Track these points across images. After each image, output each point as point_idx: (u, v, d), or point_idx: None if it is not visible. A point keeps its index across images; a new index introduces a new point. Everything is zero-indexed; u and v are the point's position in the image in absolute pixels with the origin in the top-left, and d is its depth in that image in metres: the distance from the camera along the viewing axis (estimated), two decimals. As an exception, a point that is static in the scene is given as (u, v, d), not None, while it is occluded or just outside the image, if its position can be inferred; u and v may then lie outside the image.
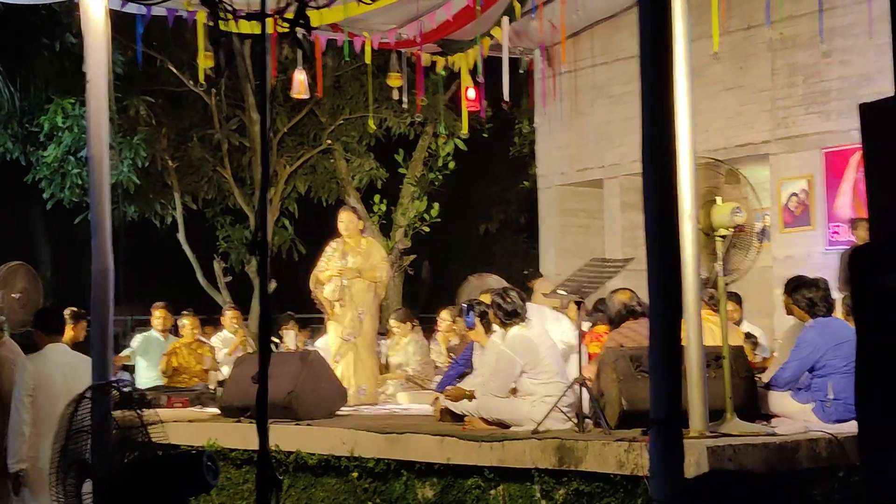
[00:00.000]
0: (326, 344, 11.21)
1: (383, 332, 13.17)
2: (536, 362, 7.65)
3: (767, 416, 7.65)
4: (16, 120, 16.16)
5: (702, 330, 6.64)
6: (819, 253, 13.04)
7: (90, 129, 6.06)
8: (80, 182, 15.66)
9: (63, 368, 7.62)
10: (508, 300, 7.80)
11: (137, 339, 12.52)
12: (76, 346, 10.35)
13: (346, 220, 10.89)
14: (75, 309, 10.45)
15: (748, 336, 10.10)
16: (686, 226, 6.44)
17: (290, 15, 4.70)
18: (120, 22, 11.38)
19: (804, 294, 7.78)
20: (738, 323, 10.44)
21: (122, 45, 14.60)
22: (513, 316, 7.78)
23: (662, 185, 3.62)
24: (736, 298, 10.42)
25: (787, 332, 8.41)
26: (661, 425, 3.50)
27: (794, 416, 7.57)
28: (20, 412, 7.46)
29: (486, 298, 8.46)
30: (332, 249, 10.81)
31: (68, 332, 10.28)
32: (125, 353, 12.20)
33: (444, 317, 12.39)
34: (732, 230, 7.07)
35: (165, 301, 12.45)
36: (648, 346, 3.68)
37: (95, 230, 5.84)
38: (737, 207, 7.02)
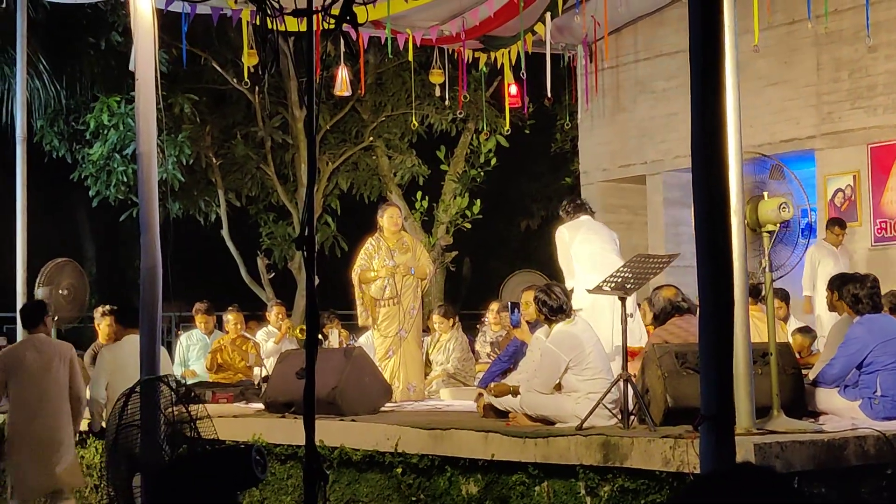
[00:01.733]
0: (369, 341, 11.22)
1: (425, 329, 13.21)
2: (581, 358, 7.63)
3: (815, 414, 7.60)
4: (62, 118, 16.33)
5: (749, 326, 6.60)
6: (865, 249, 12.94)
7: (139, 127, 6.11)
8: (125, 179, 15.79)
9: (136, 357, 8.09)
10: (553, 296, 7.78)
11: (183, 337, 12.63)
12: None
13: (395, 216, 10.85)
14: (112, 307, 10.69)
15: (807, 330, 10.04)
16: (733, 221, 6.40)
17: (335, 11, 4.72)
18: (165, 20, 11.45)
19: (850, 290, 7.73)
20: (785, 319, 10.40)
21: (166, 44, 14.70)
22: (558, 312, 7.76)
23: (713, 181, 3.61)
24: (783, 295, 10.38)
25: (833, 329, 8.34)
26: (712, 420, 3.50)
27: (842, 413, 7.52)
28: (97, 389, 8.52)
29: (529, 295, 8.44)
30: (373, 248, 10.68)
31: (104, 329, 10.46)
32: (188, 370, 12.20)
33: (493, 308, 12.45)
34: (779, 226, 7.03)
35: (207, 303, 12.51)
36: (699, 343, 3.68)
37: (144, 228, 5.89)
38: (783, 203, 6.97)
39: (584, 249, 9.35)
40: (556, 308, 7.76)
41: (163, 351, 6.50)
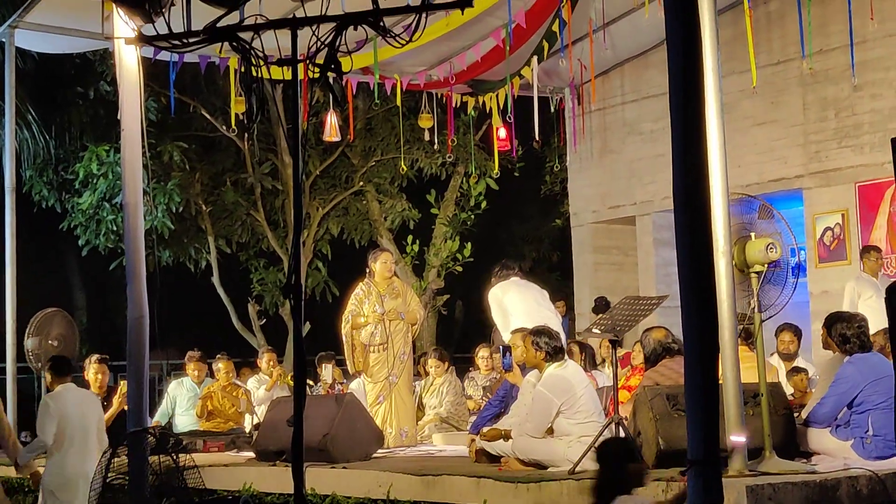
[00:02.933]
0: (360, 387, 11.17)
1: (416, 374, 13.16)
2: (573, 402, 7.62)
3: (807, 454, 7.57)
4: (51, 168, 16.35)
5: (739, 368, 6.59)
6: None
7: (125, 178, 6.12)
8: (114, 228, 15.78)
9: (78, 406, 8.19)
10: (549, 337, 7.81)
11: (172, 386, 12.55)
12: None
13: (388, 262, 10.86)
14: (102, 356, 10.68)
15: (798, 369, 10.04)
16: (720, 262, 6.41)
17: (321, 60, 4.73)
18: (153, 69, 11.51)
19: (838, 329, 7.73)
20: (795, 354, 10.42)
21: (155, 92, 14.76)
22: (559, 351, 7.80)
23: (696, 223, 3.61)
24: (794, 330, 10.42)
25: (824, 367, 8.33)
26: (698, 466, 3.48)
27: (834, 453, 7.49)
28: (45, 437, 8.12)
29: (517, 338, 8.47)
30: (363, 293, 10.67)
31: (93, 377, 10.44)
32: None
33: (481, 353, 12.41)
34: (767, 266, 7.03)
35: (200, 352, 12.47)
36: (685, 386, 3.66)
37: (131, 278, 5.88)
38: (771, 243, 6.98)
39: (518, 305, 10.04)
40: (558, 347, 7.80)
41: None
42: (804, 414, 7.97)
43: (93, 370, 10.55)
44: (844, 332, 7.67)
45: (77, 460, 7.80)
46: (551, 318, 9.42)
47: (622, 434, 7.24)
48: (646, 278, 15.27)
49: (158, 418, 11.67)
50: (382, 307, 10.52)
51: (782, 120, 13.85)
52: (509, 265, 10.52)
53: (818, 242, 13.36)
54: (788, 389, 9.55)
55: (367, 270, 10.80)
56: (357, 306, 10.60)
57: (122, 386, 10.30)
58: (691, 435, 3.48)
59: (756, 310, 7.05)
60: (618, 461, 5.27)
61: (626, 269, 16.16)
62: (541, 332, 7.90)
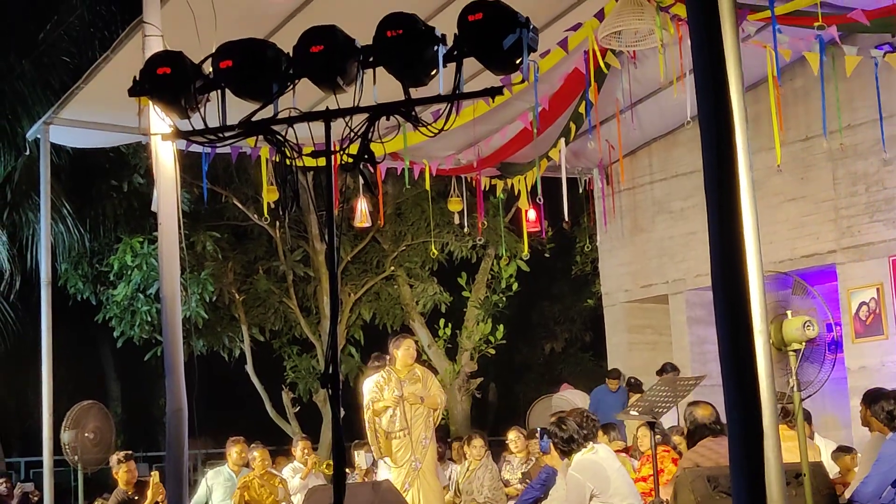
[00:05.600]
0: (387, 475, 11.12)
1: (452, 459, 13.08)
2: (605, 486, 7.56)
3: (852, 534, 7.45)
4: (86, 260, 16.49)
5: (780, 448, 6.50)
6: (893, 362, 12.82)
7: (162, 271, 6.17)
8: (149, 319, 15.87)
9: None
10: (564, 428, 7.77)
11: (210, 475, 12.49)
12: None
13: (411, 348, 10.87)
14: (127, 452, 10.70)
15: (847, 449, 9.89)
16: (758, 342, 6.36)
17: (353, 149, 4.78)
18: (185, 160, 11.65)
19: (883, 406, 7.63)
20: (811, 437, 10.26)
21: (187, 183, 14.92)
22: (570, 443, 7.74)
23: (734, 302, 3.61)
24: (805, 415, 10.27)
25: (868, 445, 8.22)
26: (747, 550, 3.43)
27: (880, 532, 7.36)
28: None
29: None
30: (383, 380, 10.68)
31: (122, 475, 10.41)
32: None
33: (512, 437, 12.32)
34: (805, 343, 6.98)
35: (241, 436, 12.43)
36: (730, 468, 3.63)
37: (169, 371, 5.90)
38: (808, 321, 6.94)
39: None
40: (567, 439, 7.73)
41: None
42: (847, 494, 7.85)
43: (123, 469, 10.53)
44: (891, 408, 7.58)
45: None
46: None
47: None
48: (680, 357, 15.18)
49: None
50: (401, 391, 10.55)
51: (812, 195, 13.84)
52: (382, 356, 11.02)
53: (854, 317, 13.26)
54: (833, 468, 9.42)
55: (388, 357, 10.83)
56: (377, 393, 10.60)
57: (155, 476, 10.29)
58: (738, 518, 3.45)
59: (795, 388, 6.98)
60: None
61: (659, 347, 16.07)
62: (557, 423, 7.88)
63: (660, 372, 14.06)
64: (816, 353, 7.12)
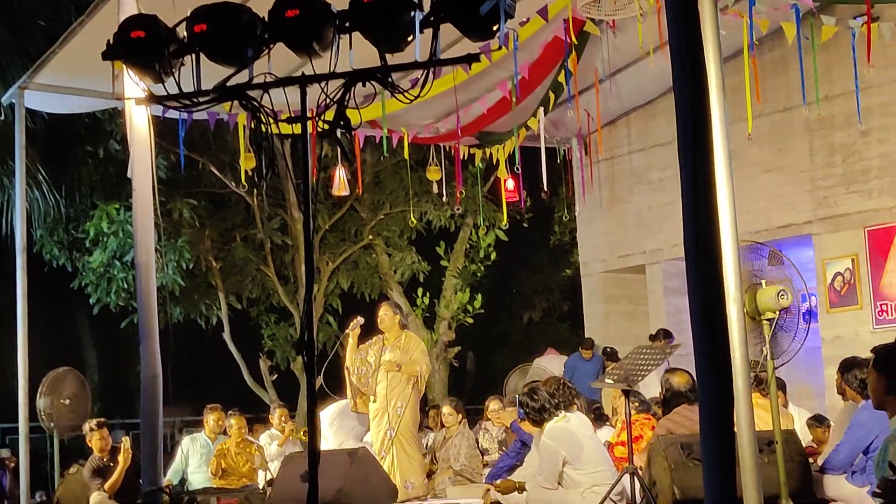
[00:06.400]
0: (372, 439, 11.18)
1: (429, 427, 13.11)
2: (578, 453, 7.61)
3: (824, 501, 7.52)
4: (61, 227, 16.40)
5: (753, 415, 6.55)
6: (867, 332, 12.90)
7: (137, 237, 6.15)
8: (125, 286, 15.81)
9: None
10: (535, 398, 7.81)
11: (185, 442, 12.50)
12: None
13: (381, 315, 10.92)
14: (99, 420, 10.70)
15: (820, 419, 9.96)
16: (732, 310, 6.40)
17: (329, 116, 4.77)
18: (162, 126, 11.58)
19: (856, 375, 7.69)
20: (784, 406, 10.32)
21: (164, 150, 14.83)
22: (541, 412, 7.79)
23: (708, 271, 3.62)
24: (780, 385, 10.33)
25: (840, 414, 8.28)
26: (717, 515, 3.46)
27: (851, 500, 7.43)
28: None
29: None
30: (373, 341, 10.85)
31: (96, 443, 10.41)
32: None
33: (491, 406, 12.36)
34: (779, 313, 7.02)
35: (218, 404, 12.44)
36: (700, 435, 3.65)
37: (144, 337, 5.89)
38: (782, 290, 6.98)
39: None
40: (538, 409, 7.78)
41: None
42: (820, 461, 7.92)
43: (96, 437, 10.53)
44: (863, 377, 7.63)
45: None
46: None
47: (637, 484, 7.20)
48: (657, 326, 15.22)
49: (171, 476, 11.60)
50: (381, 358, 10.64)
51: (789, 166, 13.88)
52: None
53: (829, 288, 13.34)
54: (807, 436, 9.49)
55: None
56: (364, 349, 10.74)
57: (125, 442, 10.30)
58: (708, 484, 3.47)
59: (769, 357, 7.03)
60: None
61: (636, 317, 16.14)
62: (528, 393, 7.93)
63: (653, 337, 14.17)
64: (790, 322, 7.17)
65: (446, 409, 11.89)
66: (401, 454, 10.55)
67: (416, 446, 10.91)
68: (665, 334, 13.97)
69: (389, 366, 10.63)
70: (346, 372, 10.83)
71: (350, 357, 10.79)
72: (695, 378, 8.07)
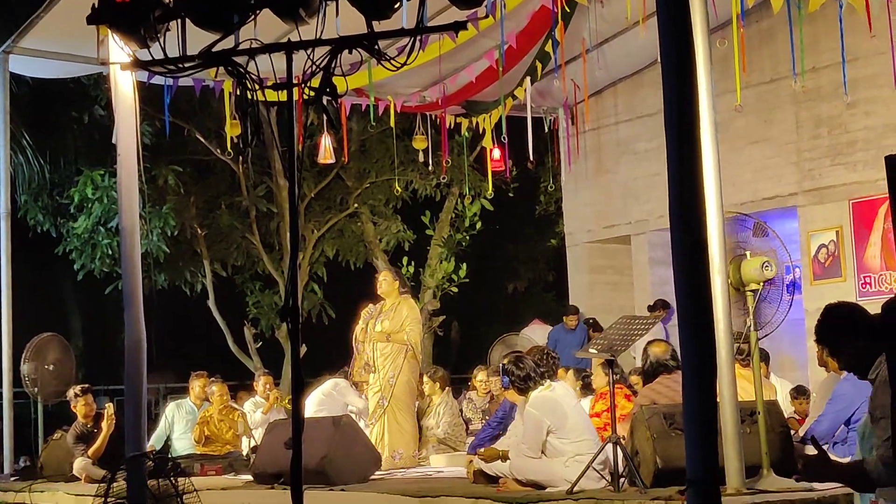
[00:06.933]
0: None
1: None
2: (562, 422, 7.63)
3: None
4: (46, 192, 16.34)
5: (735, 386, 6.59)
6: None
7: (121, 203, 6.13)
8: (110, 252, 15.78)
9: None
10: (521, 366, 7.82)
11: (169, 408, 12.51)
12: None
13: (380, 280, 11.00)
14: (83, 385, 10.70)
15: (803, 391, 10.01)
16: (716, 281, 6.43)
17: (315, 83, 4.75)
18: (147, 93, 11.53)
19: (838, 346, 7.71)
20: (767, 377, 10.37)
21: (149, 116, 14.76)
22: (526, 381, 7.80)
23: (692, 242, 3.63)
24: (763, 356, 10.38)
25: (821, 385, 8.34)
26: (697, 485, 3.48)
27: (832, 471, 7.47)
28: None
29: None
30: (369, 311, 10.88)
31: (80, 409, 10.41)
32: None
33: (478, 375, 12.39)
34: (763, 284, 7.05)
35: (204, 371, 12.44)
36: (683, 405, 3.67)
37: (128, 302, 5.88)
38: (766, 262, 7.00)
39: None
40: (523, 377, 7.79)
41: None
42: (801, 431, 7.97)
43: (80, 403, 10.52)
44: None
45: None
46: None
47: (620, 454, 7.24)
48: (641, 297, 15.29)
49: (154, 442, 11.61)
50: (374, 328, 10.67)
51: (775, 138, 13.89)
52: None
53: (813, 260, 13.38)
54: (789, 407, 9.55)
55: None
56: (363, 323, 10.88)
57: (109, 408, 10.30)
58: (690, 454, 3.49)
59: (752, 328, 7.06)
60: None
61: (621, 288, 16.17)
62: (514, 361, 7.93)
63: (652, 308, 14.22)
64: (774, 293, 7.19)
65: (424, 378, 11.94)
66: (392, 423, 10.58)
67: (410, 416, 10.91)
68: (664, 304, 14.04)
69: (379, 336, 10.66)
70: (353, 341, 10.90)
71: (358, 330, 10.87)
72: (673, 347, 8.14)
